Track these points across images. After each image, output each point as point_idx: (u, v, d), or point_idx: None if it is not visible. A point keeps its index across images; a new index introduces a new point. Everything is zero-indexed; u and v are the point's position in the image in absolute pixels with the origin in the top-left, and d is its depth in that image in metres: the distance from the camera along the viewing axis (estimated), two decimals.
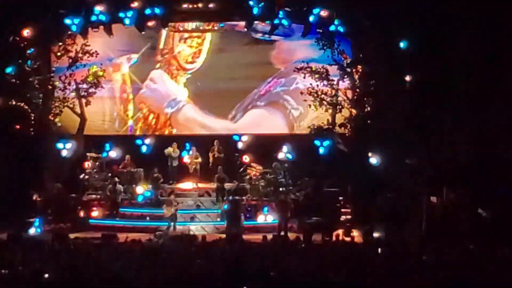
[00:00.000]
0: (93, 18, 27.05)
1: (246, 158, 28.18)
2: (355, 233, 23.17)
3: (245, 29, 28.68)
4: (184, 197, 27.35)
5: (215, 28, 29.39)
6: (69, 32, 27.79)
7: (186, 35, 29.88)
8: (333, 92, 28.20)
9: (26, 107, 27.50)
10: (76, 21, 26.85)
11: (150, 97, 30.41)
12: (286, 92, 29.82)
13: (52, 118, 28.31)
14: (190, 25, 29.24)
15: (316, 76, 28.28)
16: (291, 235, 22.44)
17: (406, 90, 26.51)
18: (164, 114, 30.36)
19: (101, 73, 29.05)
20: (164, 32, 29.69)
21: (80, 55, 28.54)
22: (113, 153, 28.56)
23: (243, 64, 29.84)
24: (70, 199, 26.99)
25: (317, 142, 27.97)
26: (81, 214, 26.58)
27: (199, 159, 28.63)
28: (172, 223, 24.87)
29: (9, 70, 26.94)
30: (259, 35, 29.33)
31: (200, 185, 28.22)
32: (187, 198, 27.29)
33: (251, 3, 26.74)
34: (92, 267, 14.48)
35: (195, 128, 30.26)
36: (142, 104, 30.45)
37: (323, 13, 26.52)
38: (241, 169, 28.06)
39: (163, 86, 30.31)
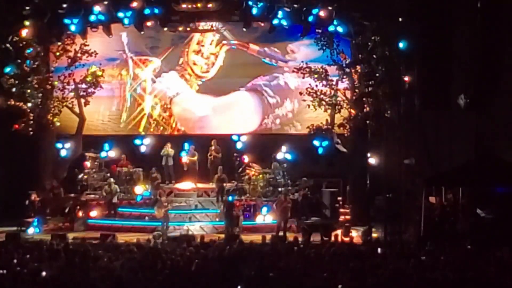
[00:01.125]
0: (92, 18, 27.02)
1: (245, 158, 28.11)
2: (354, 233, 23.17)
3: (244, 29, 28.73)
4: (183, 197, 27.34)
5: (214, 29, 29.42)
6: (68, 32, 27.80)
7: (202, 49, 30.36)
8: (332, 92, 28.19)
9: (25, 107, 27.48)
10: (75, 21, 26.82)
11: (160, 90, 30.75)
12: (267, 85, 30.25)
13: (51, 118, 28.33)
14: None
15: (315, 76, 28.28)
16: (290, 235, 22.44)
17: (405, 90, 26.49)
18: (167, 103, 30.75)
19: (100, 73, 29.08)
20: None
21: (79, 55, 28.62)
22: (112, 153, 28.56)
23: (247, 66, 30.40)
24: (69, 199, 26.98)
25: (316, 142, 28.01)
26: (80, 214, 26.54)
27: (196, 157, 28.60)
28: (165, 223, 24.82)
29: (8, 69, 26.92)
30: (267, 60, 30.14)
31: (199, 185, 28.20)
32: (185, 198, 27.27)
33: (250, 3, 26.72)
34: (90, 267, 14.49)
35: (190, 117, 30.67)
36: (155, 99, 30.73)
37: (322, 13, 26.47)
38: (240, 169, 28.03)
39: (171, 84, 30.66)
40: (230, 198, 25.13)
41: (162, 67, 30.44)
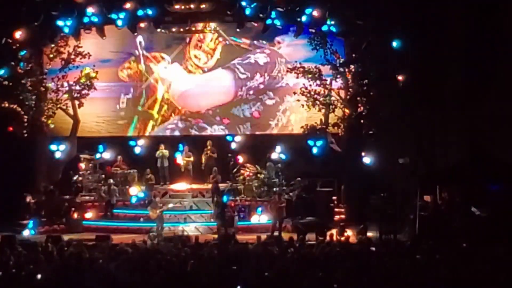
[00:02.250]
0: (86, 19, 26.97)
1: (240, 159, 28.15)
2: (349, 232, 23.19)
3: (238, 29, 28.79)
4: (178, 198, 27.33)
5: (208, 28, 29.46)
6: (62, 34, 27.77)
7: (202, 44, 30.77)
8: (326, 92, 28.21)
9: (19, 109, 27.46)
10: (69, 22, 26.80)
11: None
12: (239, 64, 30.55)
13: (45, 120, 28.32)
14: None
15: (309, 76, 28.29)
16: (285, 235, 22.44)
17: (399, 90, 26.54)
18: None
19: (93, 75, 29.08)
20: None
21: (72, 56, 28.59)
22: (107, 155, 28.55)
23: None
24: (64, 201, 26.96)
25: (310, 142, 28.01)
26: (75, 215, 26.53)
27: (191, 158, 28.64)
28: (159, 224, 24.81)
29: (1, 72, 26.88)
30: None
31: (194, 186, 28.21)
32: (180, 199, 27.25)
33: (243, 3, 26.72)
34: (86, 269, 14.49)
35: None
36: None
37: (316, 13, 26.47)
38: (235, 170, 28.04)
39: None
40: (224, 198, 25.09)
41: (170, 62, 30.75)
